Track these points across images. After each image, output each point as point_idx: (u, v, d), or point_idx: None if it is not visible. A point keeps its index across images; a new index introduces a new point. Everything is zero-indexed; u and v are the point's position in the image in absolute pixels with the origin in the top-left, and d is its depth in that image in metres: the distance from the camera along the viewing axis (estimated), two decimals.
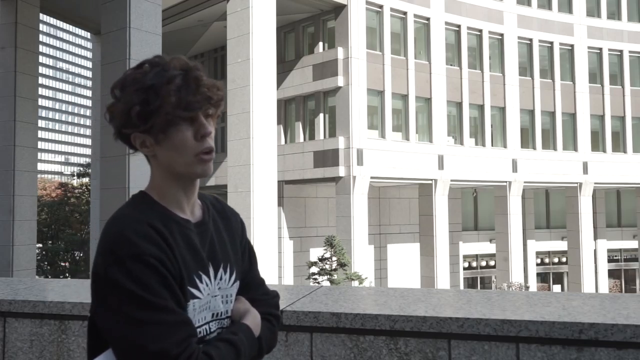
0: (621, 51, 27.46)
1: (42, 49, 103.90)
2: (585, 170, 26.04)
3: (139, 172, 11.07)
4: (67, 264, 27.41)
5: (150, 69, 1.14)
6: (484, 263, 27.51)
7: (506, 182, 24.48)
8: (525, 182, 24.94)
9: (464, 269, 26.71)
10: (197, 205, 1.26)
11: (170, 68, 1.14)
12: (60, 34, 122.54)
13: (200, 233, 1.22)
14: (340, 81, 20.74)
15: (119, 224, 1.12)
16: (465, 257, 26.79)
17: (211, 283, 1.20)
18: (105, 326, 1.09)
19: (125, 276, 1.05)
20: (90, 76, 22.09)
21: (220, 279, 1.24)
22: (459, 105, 23.80)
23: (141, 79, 1.13)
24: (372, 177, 20.88)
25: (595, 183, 26.36)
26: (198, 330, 1.16)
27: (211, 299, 1.20)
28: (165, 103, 1.11)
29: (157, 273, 1.06)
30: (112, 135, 1.19)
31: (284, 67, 22.45)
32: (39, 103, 16.26)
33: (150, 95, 1.11)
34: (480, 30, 24.46)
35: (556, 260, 28.75)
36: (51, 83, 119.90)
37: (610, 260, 29.33)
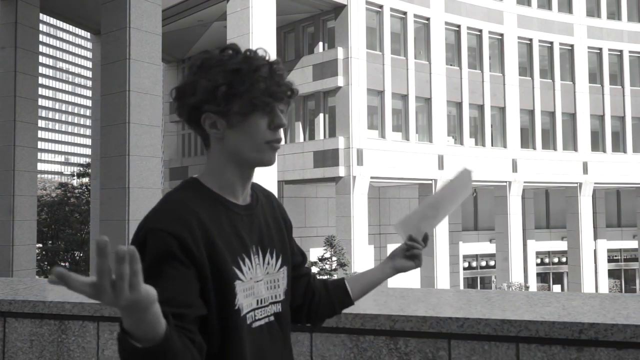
0: (621, 51, 27.46)
1: (42, 49, 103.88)
2: (585, 170, 26.04)
3: (139, 172, 11.08)
4: (67, 264, 27.39)
5: (235, 54, 1.19)
6: (483, 263, 27.51)
7: (506, 182, 24.48)
8: (525, 182, 24.94)
9: (464, 269, 26.71)
10: (248, 190, 1.29)
11: (255, 57, 1.19)
12: (60, 34, 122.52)
13: (248, 216, 1.24)
14: (340, 81, 20.75)
15: (160, 202, 1.17)
16: (465, 257, 26.80)
17: (253, 267, 1.21)
18: None
19: (144, 248, 1.09)
20: (90, 76, 22.09)
21: (268, 263, 1.25)
22: (459, 105, 23.81)
23: (227, 61, 1.17)
24: (372, 177, 20.88)
25: (595, 183, 26.37)
26: (246, 316, 1.17)
27: (254, 284, 1.20)
28: (254, 88, 1.16)
29: (168, 250, 1.08)
30: (176, 111, 1.22)
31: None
32: (39, 103, 16.26)
33: (237, 78, 1.16)
34: (480, 30, 24.46)
35: (556, 260, 28.76)
36: (51, 83, 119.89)
37: (610, 260, 29.34)
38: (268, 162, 1.22)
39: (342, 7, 20.93)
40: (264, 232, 1.27)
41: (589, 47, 26.89)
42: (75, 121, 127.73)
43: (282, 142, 1.26)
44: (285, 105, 1.23)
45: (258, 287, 1.22)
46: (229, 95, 1.15)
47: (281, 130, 1.22)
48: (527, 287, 24.64)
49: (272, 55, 1.23)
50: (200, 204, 1.16)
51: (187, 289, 1.08)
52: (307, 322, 1.44)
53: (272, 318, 1.25)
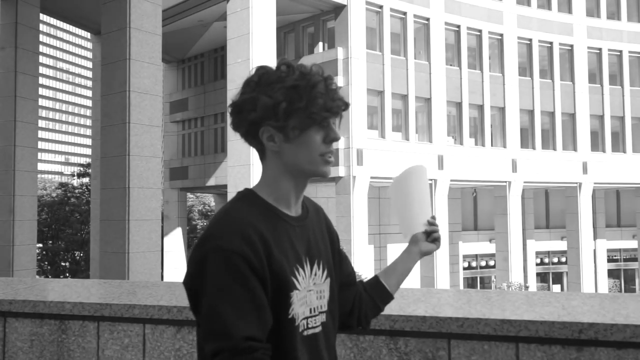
0: (621, 51, 27.46)
1: (42, 49, 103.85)
2: (584, 170, 26.05)
3: (139, 172, 11.08)
4: (67, 264, 27.41)
5: (291, 70, 1.24)
6: (483, 263, 27.51)
7: (506, 182, 24.49)
8: (524, 182, 24.94)
9: (464, 269, 26.71)
10: (300, 203, 1.34)
11: (311, 73, 1.25)
12: (60, 34, 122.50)
13: (300, 227, 1.29)
14: (340, 81, 20.74)
15: (219, 216, 1.20)
16: (465, 257, 26.80)
17: (306, 277, 1.26)
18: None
19: (205, 265, 1.13)
20: (90, 76, 22.10)
21: (315, 274, 1.29)
22: (459, 105, 23.81)
23: (286, 79, 1.22)
24: (372, 177, 20.89)
25: (595, 183, 26.37)
26: (299, 324, 1.22)
27: (307, 293, 1.25)
28: (312, 104, 1.21)
29: (234, 269, 1.12)
30: (233, 125, 1.26)
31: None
32: (39, 103, 16.25)
33: (296, 95, 1.21)
34: (480, 31, 24.46)
35: (556, 260, 28.76)
36: (51, 83, 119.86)
37: (609, 260, 29.34)
38: (324, 174, 1.27)
39: (342, 7, 20.93)
40: (312, 243, 1.31)
41: (588, 47, 26.89)
42: (75, 121, 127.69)
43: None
44: (339, 117, 1.29)
45: (310, 296, 1.26)
46: (288, 112, 1.21)
47: (334, 144, 1.28)
48: (526, 287, 24.64)
49: (325, 72, 1.29)
50: (257, 217, 1.20)
51: (263, 306, 1.13)
52: (358, 326, 1.49)
53: (320, 328, 1.29)
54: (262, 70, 1.25)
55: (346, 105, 1.29)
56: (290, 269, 1.21)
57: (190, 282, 1.17)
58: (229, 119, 1.29)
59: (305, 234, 1.30)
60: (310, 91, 1.21)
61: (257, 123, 1.22)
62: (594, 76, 27.15)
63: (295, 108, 1.21)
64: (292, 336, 1.20)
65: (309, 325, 1.25)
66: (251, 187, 1.30)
